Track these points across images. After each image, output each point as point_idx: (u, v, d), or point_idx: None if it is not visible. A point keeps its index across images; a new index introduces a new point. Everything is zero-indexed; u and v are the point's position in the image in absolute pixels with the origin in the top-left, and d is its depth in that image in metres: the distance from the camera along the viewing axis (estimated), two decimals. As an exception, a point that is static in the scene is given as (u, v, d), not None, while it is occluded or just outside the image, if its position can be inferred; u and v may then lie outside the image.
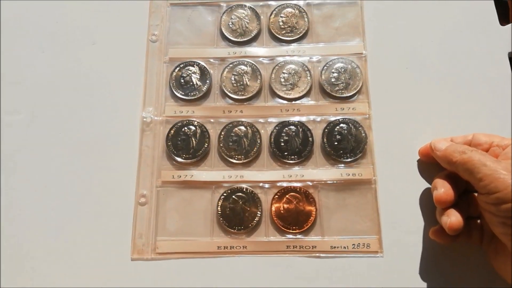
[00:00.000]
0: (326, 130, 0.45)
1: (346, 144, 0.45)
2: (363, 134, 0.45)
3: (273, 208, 0.43)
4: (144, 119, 0.47)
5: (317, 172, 0.44)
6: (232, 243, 0.43)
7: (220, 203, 0.44)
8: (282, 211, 0.43)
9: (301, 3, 0.50)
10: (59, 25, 0.51)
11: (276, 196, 0.44)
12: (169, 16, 0.51)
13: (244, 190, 0.44)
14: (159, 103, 0.47)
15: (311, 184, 0.44)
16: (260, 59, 0.49)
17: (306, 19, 0.49)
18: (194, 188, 0.45)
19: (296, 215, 0.43)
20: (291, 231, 0.43)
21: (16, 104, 0.48)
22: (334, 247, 0.42)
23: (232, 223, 0.43)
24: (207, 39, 0.50)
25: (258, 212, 0.43)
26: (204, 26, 0.50)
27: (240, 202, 0.44)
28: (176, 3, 0.51)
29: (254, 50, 0.49)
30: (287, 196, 0.44)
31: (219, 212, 0.43)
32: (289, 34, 0.49)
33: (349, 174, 0.44)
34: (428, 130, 0.45)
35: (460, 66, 0.47)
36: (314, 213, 0.43)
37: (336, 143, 0.45)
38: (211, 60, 0.49)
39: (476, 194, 0.38)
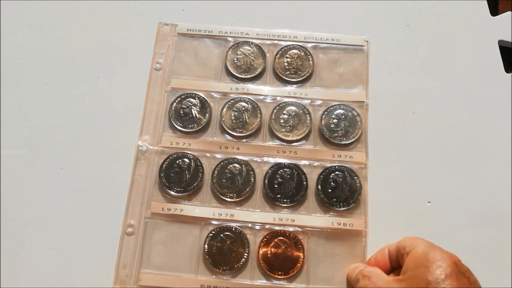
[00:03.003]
0: (321, 176, 0.45)
1: (340, 192, 0.44)
2: (358, 184, 0.44)
3: (261, 251, 0.43)
4: (140, 148, 0.46)
5: (308, 218, 0.44)
6: (216, 283, 0.42)
7: (207, 241, 0.43)
8: (269, 255, 0.43)
9: (308, 45, 0.50)
10: (64, 58, 0.51)
11: (265, 239, 0.43)
12: (175, 46, 0.51)
13: (233, 229, 0.43)
14: (157, 132, 0.47)
15: (301, 230, 0.43)
16: (262, 97, 0.49)
17: (311, 62, 0.49)
18: (183, 223, 0.44)
19: (283, 260, 0.42)
20: (276, 276, 0.42)
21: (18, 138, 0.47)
22: (319, 297, 0.41)
23: (217, 263, 0.42)
24: (211, 72, 0.50)
25: (245, 254, 0.43)
26: (209, 59, 0.50)
27: (228, 242, 0.43)
28: (183, 33, 0.51)
29: (256, 88, 0.49)
30: (275, 240, 0.43)
31: (206, 250, 0.43)
32: (293, 76, 0.49)
33: (340, 224, 0.43)
34: (424, 187, 0.45)
35: (464, 124, 0.47)
36: (301, 259, 0.42)
37: (330, 190, 0.44)
38: (213, 94, 0.49)
39: None
